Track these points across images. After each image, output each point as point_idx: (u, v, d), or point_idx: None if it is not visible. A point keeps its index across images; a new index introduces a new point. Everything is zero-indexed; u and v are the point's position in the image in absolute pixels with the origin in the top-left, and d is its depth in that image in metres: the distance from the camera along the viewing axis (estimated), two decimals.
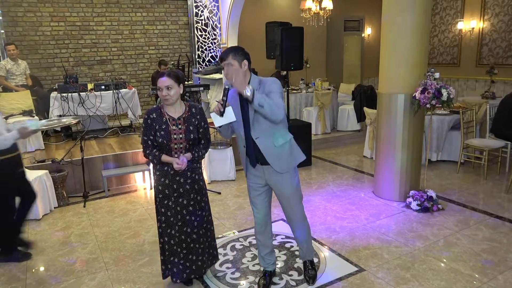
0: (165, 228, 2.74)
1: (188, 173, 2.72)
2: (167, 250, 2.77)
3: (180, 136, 2.62)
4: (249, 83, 2.49)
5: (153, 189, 2.75)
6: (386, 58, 4.29)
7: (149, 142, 2.64)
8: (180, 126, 2.64)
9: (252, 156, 2.60)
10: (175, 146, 2.63)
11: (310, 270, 2.94)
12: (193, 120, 2.69)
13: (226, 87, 2.43)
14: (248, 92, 2.26)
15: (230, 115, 2.43)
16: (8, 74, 6.03)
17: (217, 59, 8.62)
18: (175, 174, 2.68)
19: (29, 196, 3.40)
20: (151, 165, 2.81)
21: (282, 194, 2.69)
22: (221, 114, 2.40)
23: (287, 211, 2.78)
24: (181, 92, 2.65)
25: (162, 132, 2.60)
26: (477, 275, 2.96)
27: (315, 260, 3.23)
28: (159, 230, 2.79)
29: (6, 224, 3.33)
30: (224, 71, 2.49)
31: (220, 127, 2.49)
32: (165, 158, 2.63)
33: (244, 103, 2.51)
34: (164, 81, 2.56)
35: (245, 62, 2.47)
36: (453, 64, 9.34)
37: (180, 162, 2.60)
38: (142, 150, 2.71)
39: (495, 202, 4.35)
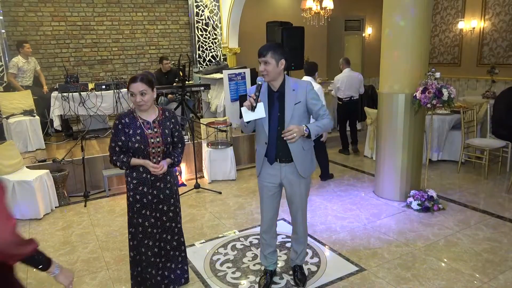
0: (142, 239, 2.57)
1: (168, 177, 2.64)
2: (144, 261, 2.60)
3: (157, 139, 2.51)
4: (283, 82, 2.55)
5: (128, 199, 2.58)
6: (386, 57, 4.28)
7: (116, 148, 2.48)
8: (156, 130, 2.52)
9: (272, 153, 2.61)
10: (153, 151, 2.50)
11: (300, 274, 2.94)
12: (167, 123, 2.59)
13: (259, 82, 2.44)
14: (306, 132, 2.44)
15: (261, 110, 2.43)
16: (19, 72, 6.07)
17: (217, 59, 8.62)
18: (155, 180, 2.57)
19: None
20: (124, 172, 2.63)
21: (295, 194, 2.70)
22: (253, 109, 2.38)
23: (294, 211, 2.79)
24: (155, 96, 2.53)
25: (137, 137, 2.46)
26: (477, 275, 2.96)
27: (316, 260, 3.24)
28: (131, 242, 2.61)
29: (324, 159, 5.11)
30: (260, 66, 2.50)
31: (248, 122, 2.49)
32: (135, 161, 2.49)
33: (275, 100, 2.55)
34: (137, 86, 2.41)
35: (282, 61, 2.50)
36: (454, 63, 9.33)
37: (158, 166, 2.50)
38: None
39: (496, 202, 4.34)
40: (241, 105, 6.34)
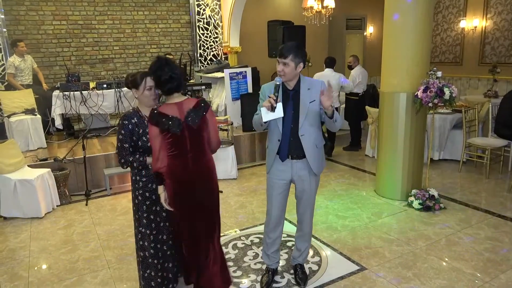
0: (156, 235, 2.60)
1: None
2: (161, 258, 2.64)
3: None
4: (298, 81, 2.57)
5: (135, 199, 2.60)
6: (388, 57, 4.28)
7: (130, 149, 2.50)
8: None
9: (285, 150, 2.63)
10: None
11: (301, 273, 2.94)
12: None
13: (277, 83, 2.46)
14: (333, 108, 2.49)
15: (279, 110, 2.49)
16: (17, 71, 6.07)
17: (218, 58, 8.62)
18: None
19: None
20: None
21: (305, 191, 2.71)
22: (273, 109, 2.43)
23: (302, 209, 2.79)
24: None
25: (149, 136, 2.45)
26: (479, 274, 2.96)
27: (317, 259, 3.24)
28: (141, 242, 2.60)
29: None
30: (278, 66, 2.52)
31: (265, 122, 2.54)
32: (150, 160, 2.51)
33: (290, 98, 2.58)
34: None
35: (301, 65, 2.52)
36: (456, 63, 9.31)
37: None
38: (118, 159, 2.54)
39: (497, 201, 4.34)
40: (242, 105, 6.35)
